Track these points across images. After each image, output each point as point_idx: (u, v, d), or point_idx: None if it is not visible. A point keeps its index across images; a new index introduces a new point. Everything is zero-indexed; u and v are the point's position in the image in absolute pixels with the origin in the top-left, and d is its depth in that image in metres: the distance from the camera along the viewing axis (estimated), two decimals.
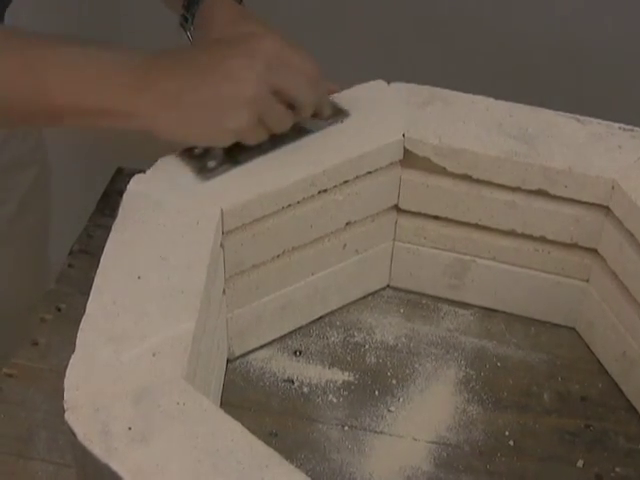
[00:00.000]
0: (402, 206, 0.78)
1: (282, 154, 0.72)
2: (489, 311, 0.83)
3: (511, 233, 0.77)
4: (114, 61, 0.66)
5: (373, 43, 1.26)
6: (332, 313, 0.81)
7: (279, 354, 0.78)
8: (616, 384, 0.77)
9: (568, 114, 0.77)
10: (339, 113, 0.76)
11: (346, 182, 0.73)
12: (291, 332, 0.79)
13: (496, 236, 0.78)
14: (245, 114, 0.67)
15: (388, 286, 0.84)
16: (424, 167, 0.75)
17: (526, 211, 0.75)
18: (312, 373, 0.76)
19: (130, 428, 0.54)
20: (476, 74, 1.19)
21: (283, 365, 0.77)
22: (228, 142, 0.69)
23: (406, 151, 0.75)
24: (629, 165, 0.73)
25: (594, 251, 0.76)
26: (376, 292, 0.84)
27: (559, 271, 0.78)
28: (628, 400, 0.76)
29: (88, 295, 0.61)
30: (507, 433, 0.73)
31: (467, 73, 1.15)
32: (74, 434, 0.54)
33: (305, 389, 0.75)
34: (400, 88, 0.79)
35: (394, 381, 0.76)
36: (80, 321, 0.59)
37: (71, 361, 0.57)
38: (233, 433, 0.55)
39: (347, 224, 0.76)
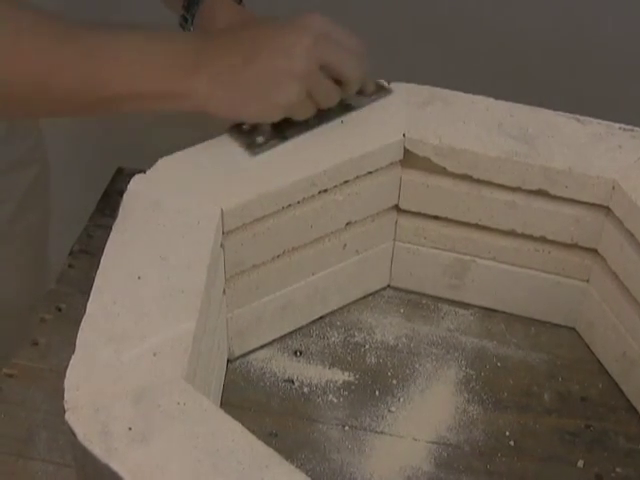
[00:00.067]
0: (402, 206, 0.78)
1: (283, 153, 0.72)
2: (489, 311, 0.83)
3: (511, 233, 0.77)
4: (167, 44, 0.68)
5: (373, 43, 1.26)
6: (332, 313, 0.81)
7: (279, 354, 0.78)
8: (616, 384, 0.77)
9: (568, 114, 0.77)
10: (381, 90, 0.77)
11: (346, 182, 0.73)
12: (291, 332, 0.79)
13: (496, 236, 0.78)
14: (295, 89, 0.68)
15: (388, 286, 0.84)
16: (424, 167, 0.75)
17: (526, 211, 0.75)
18: (312, 373, 0.76)
19: (130, 428, 0.54)
20: (476, 74, 1.19)
21: (283, 365, 0.77)
22: (278, 117, 0.71)
23: (406, 151, 0.75)
24: (629, 165, 0.73)
25: (594, 251, 0.76)
26: (376, 292, 0.84)
27: (559, 271, 0.78)
28: (628, 400, 0.76)
29: (88, 295, 0.61)
30: (507, 433, 0.73)
31: (467, 73, 1.15)
32: (74, 434, 0.54)
33: (305, 389, 0.75)
34: (400, 88, 0.79)
35: (394, 381, 0.76)
36: (80, 321, 0.59)
37: (71, 361, 0.57)
38: (233, 433, 0.55)
39: (347, 224, 0.76)
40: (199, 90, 0.67)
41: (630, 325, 0.74)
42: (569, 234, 0.76)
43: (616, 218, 0.73)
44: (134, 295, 0.61)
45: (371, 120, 0.75)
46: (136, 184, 0.69)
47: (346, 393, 0.75)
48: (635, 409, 0.75)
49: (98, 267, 0.63)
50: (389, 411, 0.74)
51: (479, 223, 0.77)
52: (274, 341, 0.79)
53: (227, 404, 0.73)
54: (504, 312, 0.82)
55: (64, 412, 0.55)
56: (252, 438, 0.55)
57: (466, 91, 0.79)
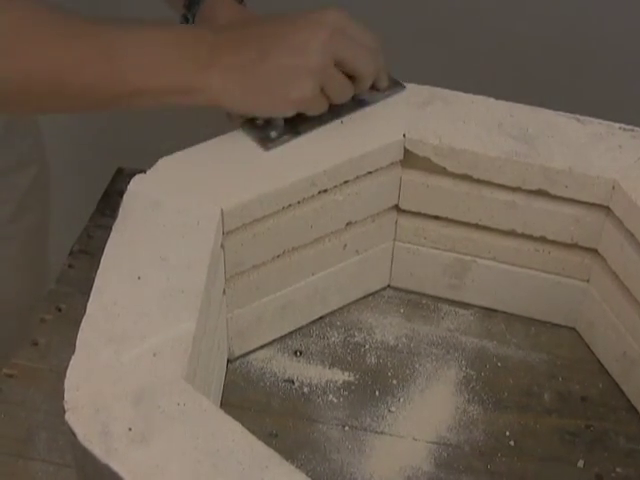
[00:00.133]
0: (402, 206, 0.78)
1: (283, 153, 0.72)
2: (489, 311, 0.82)
3: (511, 233, 0.77)
4: (181, 38, 0.68)
5: None
6: (332, 313, 0.81)
7: (279, 354, 0.78)
8: (616, 384, 0.77)
9: (568, 114, 0.77)
10: (395, 85, 0.78)
11: (346, 182, 0.73)
12: (291, 332, 0.79)
13: (496, 236, 0.78)
14: (309, 84, 0.69)
15: (388, 286, 0.84)
16: (424, 167, 0.75)
17: (526, 211, 0.75)
18: (312, 373, 0.76)
19: (130, 429, 0.54)
20: (476, 74, 1.19)
21: (283, 365, 0.77)
22: (291, 112, 0.71)
23: (406, 151, 0.75)
24: (629, 165, 0.73)
25: (594, 251, 0.76)
26: (376, 292, 0.84)
27: (559, 271, 0.78)
28: (629, 400, 0.76)
29: (88, 295, 0.61)
30: (507, 433, 0.73)
31: (467, 73, 1.15)
32: (74, 435, 0.54)
33: (305, 389, 0.75)
34: None
35: (394, 381, 0.76)
36: (80, 321, 0.59)
37: (71, 362, 0.57)
38: (233, 433, 0.55)
39: (347, 224, 0.76)
40: (213, 84, 0.68)
41: (630, 325, 0.74)
42: (569, 234, 0.76)
43: (616, 218, 0.72)
44: (134, 295, 0.61)
45: (371, 120, 0.75)
46: (136, 184, 0.69)
47: (346, 393, 0.75)
48: (635, 409, 0.75)
49: (98, 267, 0.63)
50: (389, 411, 0.74)
51: (479, 223, 0.77)
52: (274, 341, 0.79)
53: (227, 404, 0.73)
54: (504, 312, 0.82)
55: (64, 412, 0.55)
56: (252, 438, 0.55)
57: (466, 91, 0.79)
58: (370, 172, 0.74)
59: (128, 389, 0.56)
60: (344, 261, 0.79)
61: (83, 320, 0.59)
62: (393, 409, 0.74)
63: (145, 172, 0.70)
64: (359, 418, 0.73)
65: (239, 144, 0.73)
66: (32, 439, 0.70)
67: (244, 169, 0.71)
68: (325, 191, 0.72)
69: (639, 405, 0.75)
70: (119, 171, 0.92)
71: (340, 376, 0.76)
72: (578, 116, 0.77)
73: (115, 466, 0.52)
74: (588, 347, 0.80)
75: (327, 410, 0.74)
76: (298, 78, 0.68)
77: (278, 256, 0.74)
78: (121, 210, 0.67)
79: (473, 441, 0.72)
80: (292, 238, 0.73)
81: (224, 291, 0.72)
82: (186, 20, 0.81)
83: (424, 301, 0.83)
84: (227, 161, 0.71)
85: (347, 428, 0.73)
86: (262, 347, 0.78)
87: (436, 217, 0.78)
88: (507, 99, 0.78)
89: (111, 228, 0.66)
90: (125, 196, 0.68)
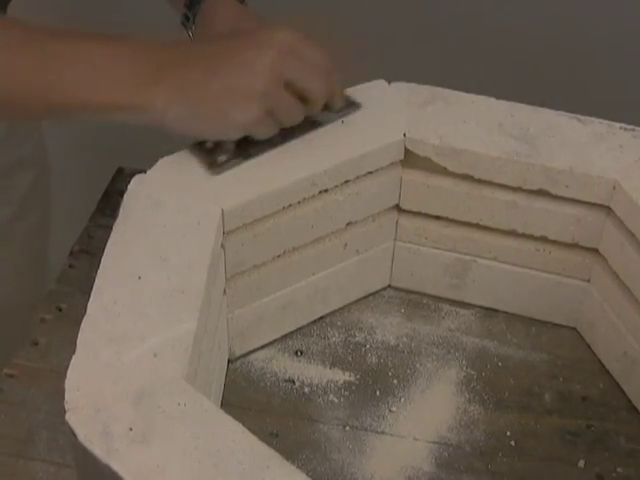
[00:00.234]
0: (403, 206, 0.78)
1: (283, 153, 0.72)
2: (490, 311, 0.82)
3: (512, 233, 0.77)
4: (126, 55, 0.66)
5: (373, 43, 1.26)
6: (333, 313, 0.81)
7: (280, 354, 0.78)
8: (617, 384, 0.77)
9: (569, 114, 0.77)
10: (351, 105, 0.76)
11: (347, 182, 0.73)
12: (292, 332, 0.79)
13: (497, 236, 0.78)
14: (255, 107, 0.67)
15: (389, 286, 0.84)
16: (425, 167, 0.75)
17: (527, 211, 0.75)
18: (313, 373, 0.76)
19: (131, 429, 0.54)
20: (477, 74, 1.19)
21: (284, 365, 0.77)
22: (237, 135, 0.69)
23: (407, 151, 0.75)
24: (630, 165, 0.73)
25: (595, 251, 0.76)
26: (377, 292, 0.84)
27: (560, 271, 0.78)
28: (629, 400, 0.76)
29: (89, 295, 0.61)
30: (508, 433, 0.73)
31: (468, 73, 1.15)
32: (75, 435, 0.54)
33: (306, 389, 0.75)
34: (401, 88, 0.79)
35: (395, 381, 0.76)
36: (81, 321, 0.59)
37: (72, 362, 0.57)
38: (234, 433, 0.55)
39: (348, 224, 0.76)
40: (157, 104, 0.65)
41: (631, 325, 0.74)
42: (570, 234, 0.76)
43: (617, 218, 0.72)
44: (134, 295, 0.61)
45: (372, 120, 0.75)
46: (136, 184, 0.69)
47: (347, 393, 0.75)
48: (636, 409, 0.75)
49: (98, 267, 0.63)
50: (390, 411, 0.74)
51: (480, 223, 0.77)
52: (275, 341, 0.79)
53: (228, 404, 0.73)
54: (505, 312, 0.82)
55: (64, 412, 0.55)
56: (253, 438, 0.55)
57: (467, 91, 0.79)
58: (371, 172, 0.74)
59: (129, 389, 0.56)
60: (345, 261, 0.78)
61: (83, 320, 0.59)
62: (394, 409, 0.74)
63: (145, 172, 0.70)
64: (360, 418, 0.73)
65: None
66: (33, 439, 0.70)
67: (245, 168, 0.70)
68: (326, 191, 0.72)
69: None
70: (119, 171, 0.92)
71: (341, 376, 0.76)
72: (579, 116, 0.77)
73: (115, 466, 0.52)
74: (589, 347, 0.80)
75: (328, 410, 0.74)
76: (243, 100, 0.66)
77: (279, 256, 0.74)
78: (121, 210, 0.67)
79: (474, 441, 0.72)
80: (293, 238, 0.73)
81: (225, 291, 0.72)
82: (187, 19, 0.81)
83: (425, 301, 0.83)
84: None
85: (348, 428, 0.73)
86: (263, 347, 0.78)
87: (437, 217, 0.78)
88: (508, 99, 0.78)
89: (111, 228, 0.66)
90: (125, 196, 0.68)
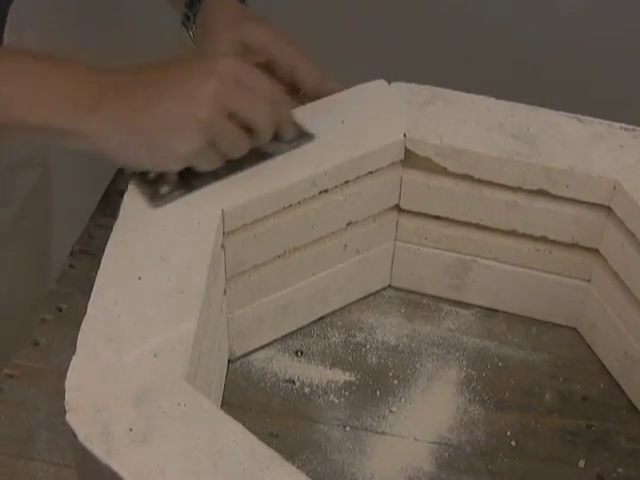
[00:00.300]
0: (403, 206, 0.78)
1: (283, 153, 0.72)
2: (490, 311, 0.82)
3: (512, 233, 0.77)
4: (68, 78, 0.64)
5: (374, 43, 1.26)
6: (333, 313, 0.81)
7: (280, 354, 0.78)
8: (617, 384, 0.77)
9: (569, 114, 0.77)
10: (304, 136, 0.72)
11: (347, 182, 0.73)
12: (292, 332, 0.79)
13: (497, 236, 0.78)
14: (195, 137, 0.64)
15: (389, 286, 0.84)
16: (425, 167, 0.75)
17: (527, 211, 0.75)
18: (313, 373, 0.76)
19: (131, 429, 0.54)
20: (477, 74, 1.19)
21: (284, 365, 0.77)
22: (177, 167, 0.67)
23: (407, 151, 0.75)
24: (630, 165, 0.73)
25: (595, 251, 0.76)
26: (377, 292, 0.84)
27: (560, 271, 0.78)
28: (629, 400, 0.76)
29: (89, 295, 0.61)
30: (509, 433, 0.73)
31: (468, 73, 1.15)
32: (75, 435, 0.54)
33: (306, 389, 0.75)
34: (401, 88, 0.79)
35: (395, 381, 0.76)
36: (81, 321, 0.59)
37: (72, 362, 0.57)
38: (234, 434, 0.55)
39: (348, 224, 0.76)
40: (94, 130, 0.63)
41: (631, 325, 0.74)
42: (570, 234, 0.76)
43: (617, 218, 0.72)
44: (135, 296, 0.61)
45: (372, 120, 0.75)
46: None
47: (347, 393, 0.75)
48: (636, 409, 0.75)
49: (99, 267, 0.63)
50: (390, 411, 0.74)
51: (480, 223, 0.77)
52: (275, 341, 0.79)
53: (228, 404, 0.73)
54: (505, 312, 0.82)
55: (65, 413, 0.55)
56: (253, 439, 0.55)
57: (467, 91, 0.79)
58: (371, 172, 0.74)
59: (129, 389, 0.56)
60: (345, 261, 0.78)
61: (84, 320, 0.59)
62: (394, 409, 0.74)
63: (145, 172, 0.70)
64: (360, 418, 0.73)
65: None
66: (33, 439, 0.70)
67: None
68: (326, 191, 0.72)
69: None
70: (119, 171, 0.92)
71: (341, 376, 0.76)
72: (579, 116, 0.77)
73: (116, 466, 0.52)
74: (589, 347, 0.80)
75: (328, 410, 0.74)
76: (184, 130, 0.64)
77: (279, 256, 0.74)
78: (122, 210, 0.67)
79: (474, 441, 0.72)
80: (293, 238, 0.73)
81: (225, 291, 0.72)
82: (187, 19, 0.81)
83: (425, 301, 0.83)
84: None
85: (348, 428, 0.73)
86: (263, 347, 0.78)
87: (437, 217, 0.78)
88: (508, 99, 0.78)
89: (112, 228, 0.66)
90: (126, 196, 0.68)
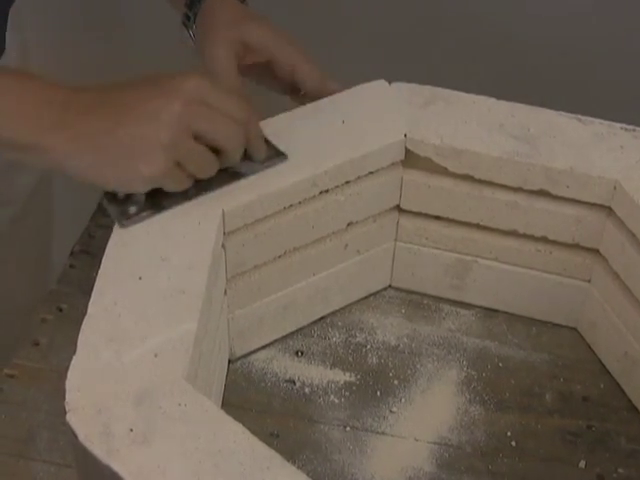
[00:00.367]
0: (403, 206, 0.78)
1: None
2: (491, 311, 0.82)
3: (513, 233, 0.77)
4: (33, 95, 0.63)
5: (374, 43, 1.26)
6: (334, 313, 0.81)
7: (280, 354, 0.78)
8: (618, 384, 0.77)
9: (570, 114, 0.77)
10: (276, 155, 0.71)
11: (347, 182, 0.73)
12: (292, 332, 0.79)
13: (498, 236, 0.78)
14: (160, 158, 0.63)
15: (390, 286, 0.84)
16: (425, 167, 0.75)
17: (528, 211, 0.75)
18: (314, 373, 0.76)
19: (131, 429, 0.54)
20: (478, 74, 1.19)
21: (284, 365, 0.77)
22: (144, 188, 0.65)
23: (407, 151, 0.75)
24: (631, 165, 0.73)
25: (596, 251, 0.76)
26: (378, 292, 0.84)
27: (561, 271, 0.78)
28: (630, 400, 0.76)
29: (89, 295, 0.61)
30: (509, 434, 0.73)
31: (469, 73, 1.15)
32: (75, 435, 0.54)
33: (307, 390, 0.75)
34: (401, 88, 0.79)
35: (396, 381, 0.76)
36: (81, 321, 0.59)
37: (72, 362, 0.57)
38: (234, 434, 0.55)
39: (349, 224, 0.76)
40: (57, 148, 0.62)
41: (632, 325, 0.74)
42: (570, 234, 0.76)
43: (617, 218, 0.72)
44: (135, 296, 0.61)
45: (372, 120, 0.75)
46: None
47: (347, 393, 0.75)
48: (637, 409, 0.75)
49: (99, 267, 0.63)
50: (390, 412, 0.74)
51: (480, 223, 0.77)
52: (275, 341, 0.79)
53: (228, 405, 0.73)
54: (505, 312, 0.82)
55: (65, 413, 0.55)
56: (253, 439, 0.55)
57: (467, 91, 0.79)
58: (371, 172, 0.74)
59: (129, 390, 0.56)
60: (345, 261, 0.78)
61: (84, 320, 0.59)
62: (394, 409, 0.74)
63: None
64: (360, 419, 0.73)
65: None
66: (33, 439, 0.70)
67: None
68: (326, 191, 0.72)
69: None
70: None
71: (341, 376, 0.76)
72: (579, 116, 0.77)
73: (116, 467, 0.52)
74: (589, 347, 0.80)
75: (328, 410, 0.74)
76: (148, 151, 0.63)
77: (279, 256, 0.74)
78: None
79: (474, 441, 0.72)
80: (293, 238, 0.73)
81: (225, 291, 0.72)
82: (188, 19, 0.81)
83: (425, 301, 0.83)
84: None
85: (348, 428, 0.73)
86: (263, 347, 0.78)
87: (437, 217, 0.78)
88: (508, 99, 0.78)
89: (112, 228, 0.66)
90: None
